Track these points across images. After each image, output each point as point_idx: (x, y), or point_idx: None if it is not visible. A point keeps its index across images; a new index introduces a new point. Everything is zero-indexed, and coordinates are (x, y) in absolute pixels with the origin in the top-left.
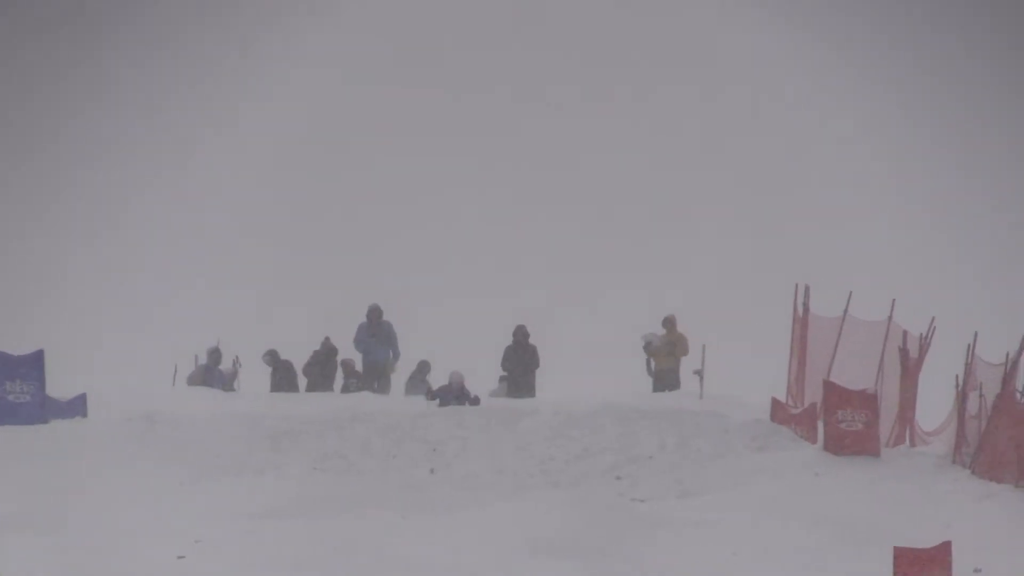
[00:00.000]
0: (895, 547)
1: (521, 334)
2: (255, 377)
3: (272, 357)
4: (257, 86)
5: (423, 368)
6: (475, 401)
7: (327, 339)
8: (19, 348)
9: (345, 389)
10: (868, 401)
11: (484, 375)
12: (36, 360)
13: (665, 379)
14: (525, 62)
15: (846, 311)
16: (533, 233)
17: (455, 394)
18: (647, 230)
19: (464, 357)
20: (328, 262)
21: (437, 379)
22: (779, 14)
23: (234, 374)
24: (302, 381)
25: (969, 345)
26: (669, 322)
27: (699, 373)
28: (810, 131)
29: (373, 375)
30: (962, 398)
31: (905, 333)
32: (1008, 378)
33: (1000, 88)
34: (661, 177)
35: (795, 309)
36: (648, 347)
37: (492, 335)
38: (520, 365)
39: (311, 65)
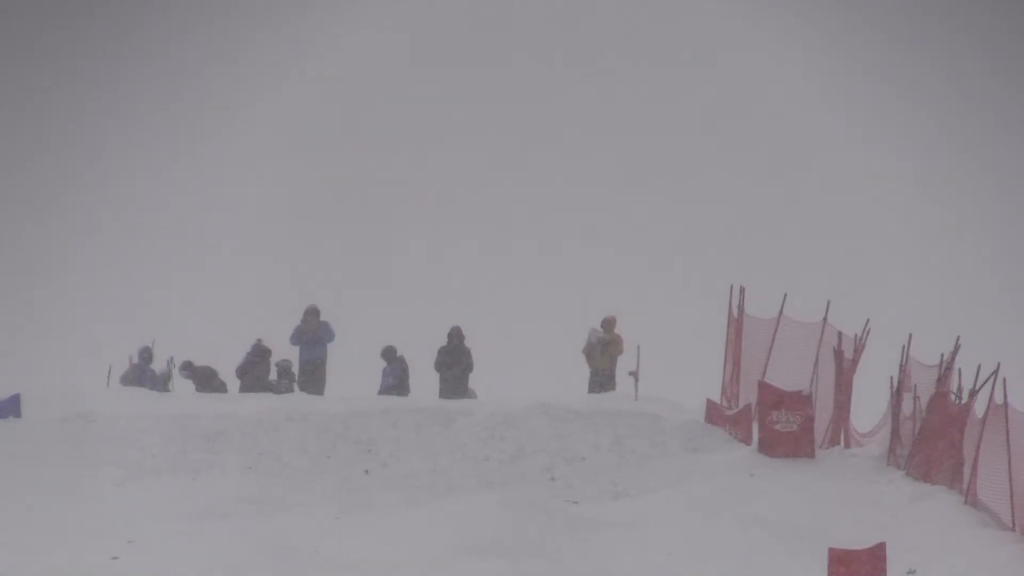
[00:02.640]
0: (830, 548)
1: (456, 336)
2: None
3: (189, 369)
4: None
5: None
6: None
7: (260, 340)
8: None
9: (279, 390)
10: (803, 402)
11: (421, 376)
12: None
13: (600, 380)
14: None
15: (781, 312)
16: (470, 235)
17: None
18: (585, 231)
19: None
20: (267, 264)
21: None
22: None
23: (168, 374)
24: (232, 382)
25: (903, 346)
26: (608, 323)
27: (634, 374)
28: (751, 135)
29: (309, 377)
30: (896, 399)
31: (840, 334)
32: (942, 379)
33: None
34: (600, 180)
35: (730, 310)
36: (587, 345)
37: (427, 337)
38: (454, 367)
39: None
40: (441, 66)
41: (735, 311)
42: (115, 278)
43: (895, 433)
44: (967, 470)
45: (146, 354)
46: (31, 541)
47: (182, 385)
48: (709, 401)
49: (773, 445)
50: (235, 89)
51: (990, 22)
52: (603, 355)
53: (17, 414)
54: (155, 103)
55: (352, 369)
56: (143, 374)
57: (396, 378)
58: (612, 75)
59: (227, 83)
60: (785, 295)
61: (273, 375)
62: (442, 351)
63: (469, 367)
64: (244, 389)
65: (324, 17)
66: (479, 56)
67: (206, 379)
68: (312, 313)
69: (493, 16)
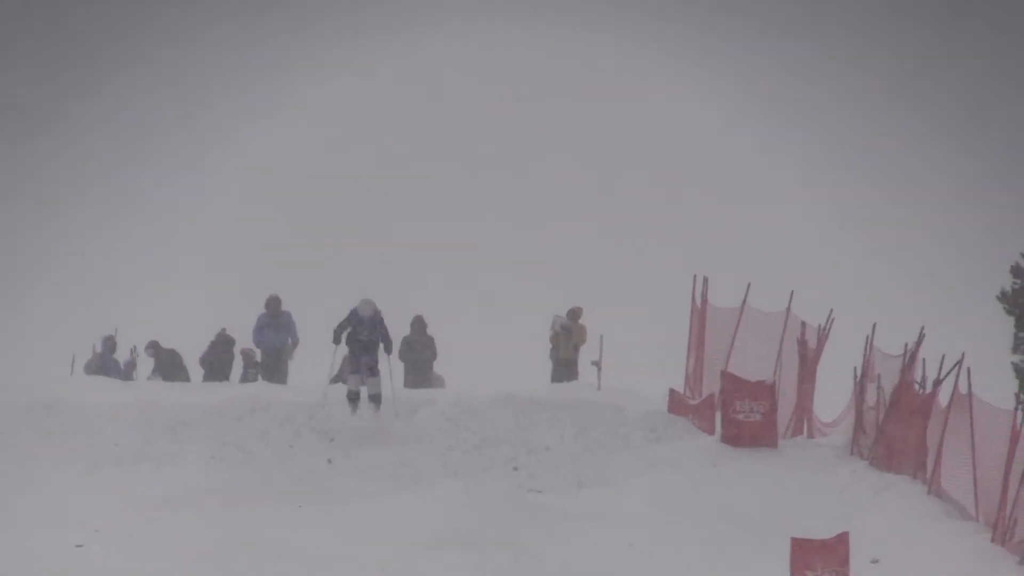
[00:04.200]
0: (793, 538)
1: (419, 325)
2: (145, 373)
3: (154, 348)
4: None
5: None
6: (389, 345)
7: (223, 330)
8: None
9: (244, 379)
10: (766, 392)
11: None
12: None
13: (563, 369)
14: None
15: (744, 302)
16: (434, 225)
17: (366, 324)
18: (550, 222)
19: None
20: (231, 255)
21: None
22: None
23: (132, 364)
24: (194, 369)
25: (867, 336)
26: (574, 313)
27: (597, 364)
28: (709, 128)
29: (272, 363)
30: (860, 389)
31: (803, 324)
32: (906, 369)
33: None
34: (566, 173)
35: (693, 300)
36: (552, 334)
37: (391, 326)
38: (418, 356)
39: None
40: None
41: (698, 301)
42: (79, 267)
43: (859, 423)
44: (931, 460)
45: (110, 343)
46: None
47: (146, 373)
48: (672, 391)
49: (736, 435)
50: (204, 86)
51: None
52: (566, 345)
53: None
54: (131, 93)
55: (315, 358)
56: (107, 363)
57: None
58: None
59: (194, 77)
60: (749, 285)
61: (237, 365)
62: (405, 340)
63: (433, 355)
64: (208, 378)
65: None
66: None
67: (170, 361)
68: (274, 302)
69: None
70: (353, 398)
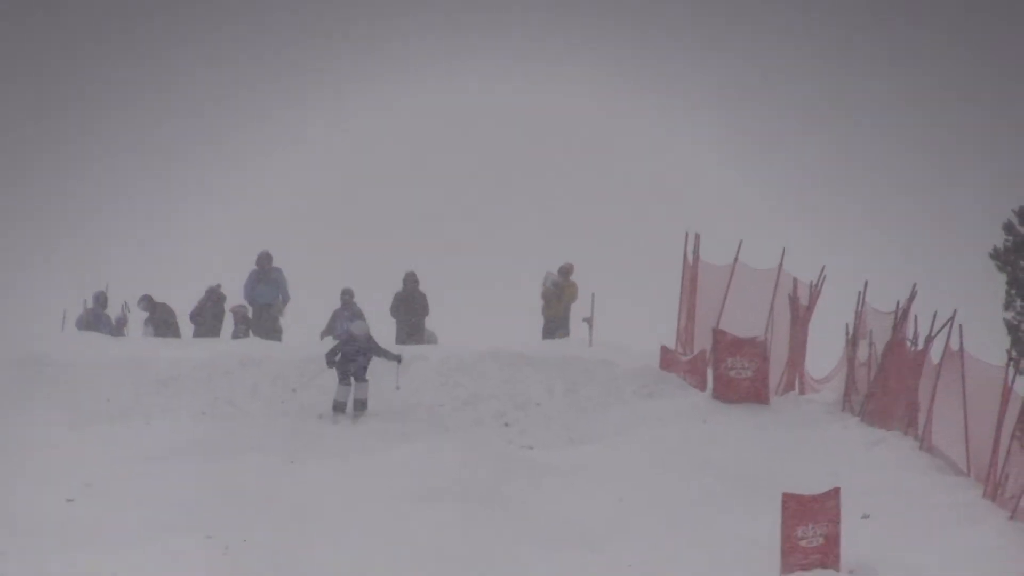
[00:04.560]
0: (784, 493)
1: (411, 281)
2: (139, 328)
3: (147, 302)
4: None
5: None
6: (397, 356)
7: (216, 286)
8: None
9: (235, 335)
10: (758, 349)
11: (377, 322)
12: None
13: (555, 326)
14: None
15: (736, 259)
16: (428, 182)
17: (361, 348)
18: (542, 178)
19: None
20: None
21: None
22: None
23: (123, 319)
24: (185, 325)
25: (859, 293)
26: (565, 270)
27: (588, 320)
28: (700, 82)
29: (262, 320)
30: (852, 346)
31: (795, 281)
32: (898, 326)
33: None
34: (556, 131)
35: (685, 257)
36: (543, 290)
37: (382, 282)
38: (409, 312)
39: None
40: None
41: (690, 258)
42: (71, 222)
43: (850, 379)
44: (922, 416)
45: (101, 299)
46: None
47: (138, 326)
48: (663, 347)
49: (727, 391)
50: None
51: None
52: (557, 302)
53: None
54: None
55: (306, 315)
56: (98, 319)
57: (351, 321)
58: None
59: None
60: (740, 242)
61: (228, 321)
62: (397, 296)
63: (424, 311)
64: (198, 334)
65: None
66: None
67: (163, 315)
68: (265, 258)
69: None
70: (339, 408)
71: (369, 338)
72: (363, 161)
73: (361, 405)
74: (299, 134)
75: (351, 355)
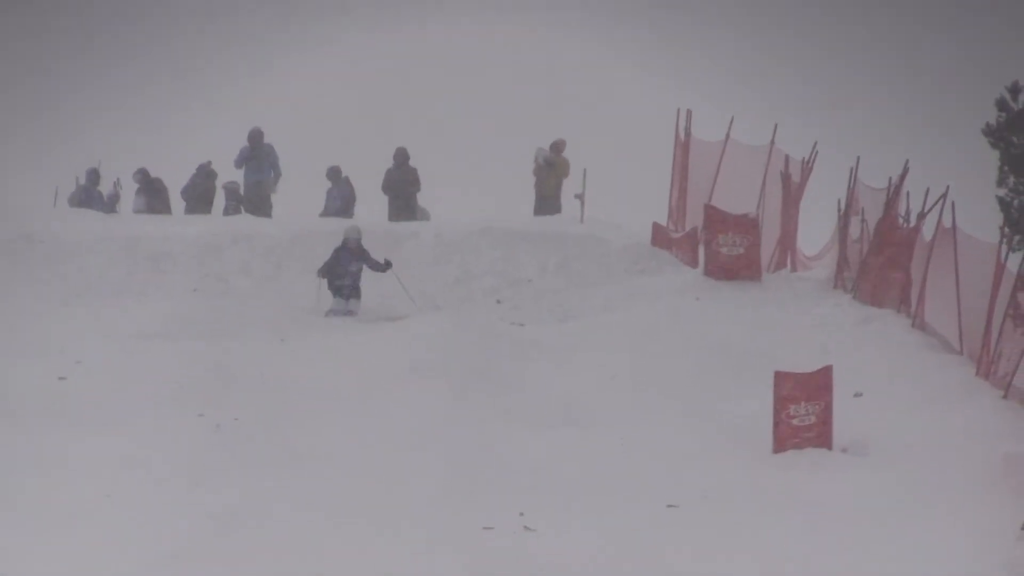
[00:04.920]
0: (776, 371)
1: (401, 156)
2: (131, 199)
3: (143, 175)
4: None
5: (334, 175)
6: (385, 266)
7: (207, 163)
8: None
9: (226, 212)
10: (749, 226)
11: (370, 200)
12: None
13: (546, 202)
14: None
15: (728, 135)
16: (419, 60)
17: (354, 255)
18: (533, 54)
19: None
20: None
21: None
22: None
23: (115, 196)
24: (177, 202)
25: (851, 169)
26: (557, 146)
27: (580, 197)
28: None
29: (254, 197)
30: (844, 223)
31: (787, 157)
32: (890, 203)
33: None
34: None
35: (677, 133)
36: (535, 167)
37: (373, 161)
38: (401, 187)
39: None
40: None
41: (682, 134)
42: (62, 99)
43: (842, 256)
44: (915, 294)
45: (93, 175)
46: None
47: (130, 200)
48: (655, 224)
49: (719, 268)
50: None
51: None
52: (549, 178)
53: None
54: None
55: (298, 193)
56: (90, 195)
57: (342, 200)
58: None
59: None
60: (732, 118)
61: (219, 197)
62: (388, 172)
63: (416, 188)
64: (190, 211)
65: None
66: None
67: (156, 191)
68: (256, 135)
69: None
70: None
71: (360, 246)
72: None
73: (353, 316)
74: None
75: (344, 263)
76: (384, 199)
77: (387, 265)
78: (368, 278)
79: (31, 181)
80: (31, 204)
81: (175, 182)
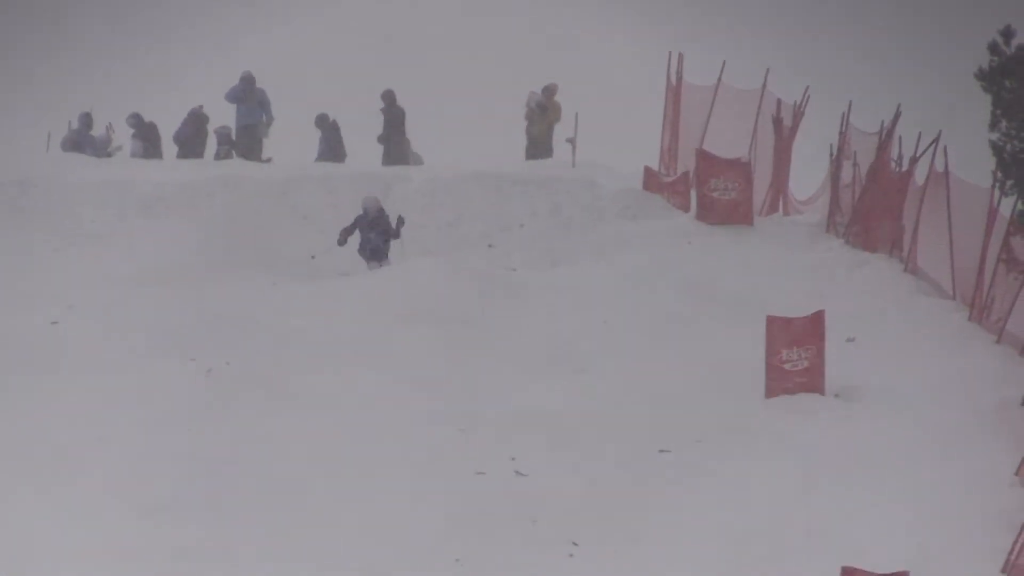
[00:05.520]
0: (768, 316)
1: (389, 97)
2: (127, 144)
3: (136, 119)
4: None
5: (322, 121)
6: (398, 225)
7: (199, 107)
8: None
9: (218, 157)
10: (741, 170)
11: (362, 145)
12: None
13: (538, 147)
14: None
15: (719, 80)
16: (410, 4)
17: (373, 221)
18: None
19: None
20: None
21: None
22: None
23: (107, 140)
24: (169, 147)
25: (843, 114)
26: (549, 90)
27: (571, 141)
28: None
29: (246, 141)
30: (836, 167)
31: (779, 101)
32: (883, 147)
33: None
34: None
35: (668, 77)
36: (526, 111)
37: (364, 105)
38: (390, 128)
39: None
40: None
41: (673, 78)
42: (55, 43)
43: (834, 201)
44: (907, 238)
45: (86, 119)
46: None
47: (126, 143)
48: (647, 168)
49: (711, 212)
50: None
51: None
52: (540, 122)
53: None
54: None
55: (291, 139)
56: (83, 139)
57: (329, 145)
58: None
59: None
60: (724, 62)
61: (211, 142)
62: (382, 112)
63: (402, 125)
64: (182, 155)
65: None
66: None
67: (149, 135)
68: (248, 79)
69: None
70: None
71: (381, 211)
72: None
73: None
74: None
75: (365, 230)
76: (376, 145)
77: (400, 223)
78: None
79: (23, 126)
80: (23, 149)
81: (167, 126)
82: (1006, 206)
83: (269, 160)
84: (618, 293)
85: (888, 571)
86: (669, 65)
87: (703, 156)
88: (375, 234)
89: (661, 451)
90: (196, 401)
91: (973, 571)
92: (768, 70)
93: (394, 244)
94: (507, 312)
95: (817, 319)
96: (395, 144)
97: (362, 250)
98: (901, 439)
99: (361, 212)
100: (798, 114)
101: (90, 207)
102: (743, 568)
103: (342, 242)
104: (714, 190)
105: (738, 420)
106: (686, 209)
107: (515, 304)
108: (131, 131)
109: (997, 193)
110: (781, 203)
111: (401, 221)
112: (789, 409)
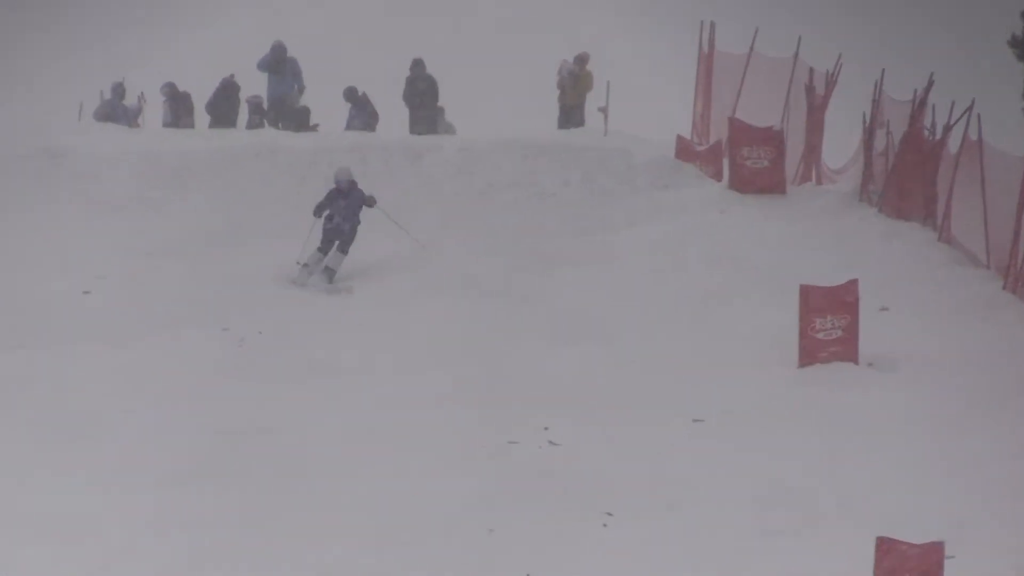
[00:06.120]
0: (802, 285)
1: (418, 66)
2: (159, 114)
3: (170, 88)
4: None
5: (351, 94)
6: (370, 202)
7: (230, 75)
8: None
9: (249, 126)
10: (774, 138)
11: (391, 117)
12: None
13: (570, 116)
14: None
15: (752, 48)
16: None
17: (344, 193)
18: None
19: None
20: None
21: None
22: None
23: (139, 110)
24: (202, 117)
25: (876, 82)
26: (581, 59)
27: (603, 110)
28: None
29: (278, 111)
30: (869, 136)
31: (811, 70)
32: (916, 115)
33: None
34: None
35: (700, 46)
36: (558, 79)
37: (395, 76)
38: (421, 97)
39: None
40: None
41: (705, 47)
42: (88, 11)
43: (867, 170)
44: (940, 207)
45: (119, 89)
46: (1, 273)
47: (156, 113)
48: (679, 137)
49: (744, 181)
50: None
51: None
52: (573, 91)
53: None
54: None
55: (321, 106)
56: (115, 110)
57: (362, 121)
58: None
59: None
60: (756, 30)
61: (243, 112)
62: (408, 81)
63: (435, 96)
64: (214, 125)
65: None
66: None
67: (182, 105)
68: (279, 49)
69: None
70: (305, 270)
71: (352, 184)
72: None
73: (329, 273)
74: None
75: (336, 208)
76: (405, 112)
77: (371, 199)
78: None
79: (56, 95)
80: (56, 118)
81: (199, 97)
82: None
83: (316, 127)
84: (650, 262)
85: (923, 541)
86: (701, 34)
87: (736, 125)
88: (344, 209)
89: (694, 420)
90: (228, 371)
91: (1008, 540)
92: (800, 38)
93: (374, 220)
94: (538, 282)
95: (850, 288)
96: (423, 111)
97: (326, 224)
98: (935, 408)
99: (334, 185)
100: (831, 82)
101: (121, 177)
102: (776, 537)
103: (318, 215)
104: (747, 159)
105: (771, 389)
106: (718, 178)
107: (546, 274)
108: (163, 100)
109: None
110: (814, 172)
111: (371, 200)
112: (822, 378)
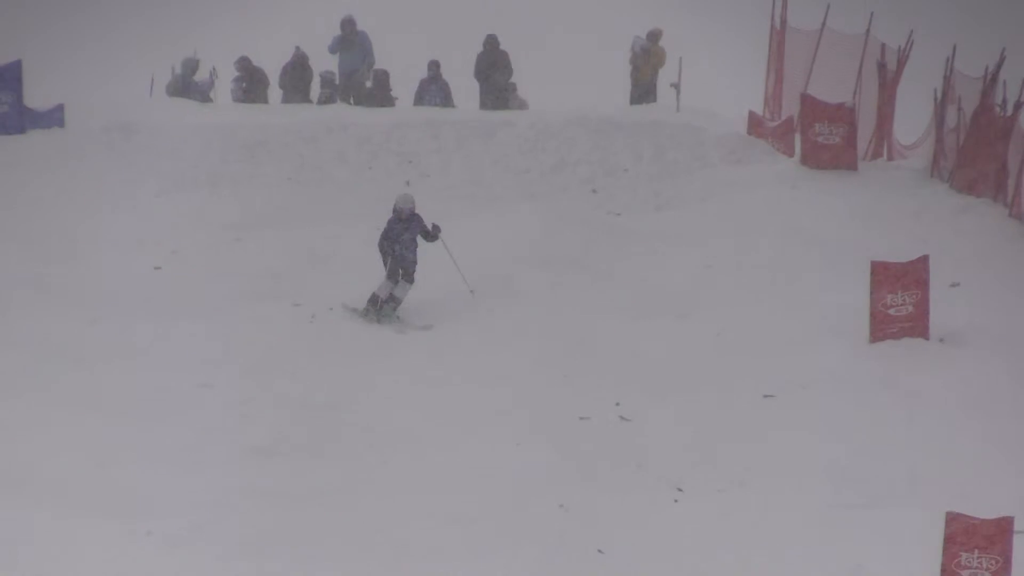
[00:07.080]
0: (873, 261)
1: (491, 42)
2: (229, 89)
3: (244, 63)
4: None
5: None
6: (435, 230)
7: (297, 48)
8: None
9: (321, 100)
10: (845, 115)
11: (461, 84)
12: (14, 70)
13: (642, 92)
14: None
15: (824, 24)
16: None
17: (404, 223)
18: None
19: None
20: None
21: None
22: None
23: (211, 84)
24: (275, 92)
25: (948, 58)
26: (654, 35)
27: (676, 86)
28: None
29: (348, 85)
30: (941, 111)
31: (883, 46)
32: (987, 91)
33: None
34: None
35: (772, 22)
36: (631, 55)
37: (466, 52)
38: (493, 73)
39: None
40: None
41: (777, 23)
42: None
43: (939, 146)
44: (1011, 183)
45: (191, 64)
46: (74, 250)
47: (224, 96)
48: (751, 113)
49: (816, 157)
50: None
51: None
52: (645, 66)
53: (60, 123)
54: None
55: (393, 80)
56: (187, 85)
57: (440, 98)
58: None
59: None
60: (828, 6)
61: (315, 86)
62: (480, 58)
63: (508, 72)
64: (285, 100)
65: None
66: None
67: (256, 79)
68: (349, 23)
69: None
70: (373, 302)
71: (413, 213)
72: None
73: (395, 301)
74: None
75: (395, 235)
76: (476, 85)
77: (436, 230)
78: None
79: (128, 70)
80: (128, 94)
81: (272, 70)
82: None
83: (396, 100)
84: (722, 238)
85: (992, 516)
86: (773, 9)
87: (807, 101)
88: (406, 238)
89: (765, 396)
90: (300, 346)
91: None
92: (872, 14)
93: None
94: (611, 257)
95: (921, 264)
96: (495, 86)
97: (386, 253)
98: (1005, 384)
99: (392, 214)
100: (902, 58)
101: (193, 152)
102: (847, 513)
103: (383, 250)
104: (818, 135)
105: (842, 365)
106: (790, 154)
107: (619, 249)
108: (236, 74)
109: None
110: (885, 148)
111: (437, 228)
112: (893, 354)
